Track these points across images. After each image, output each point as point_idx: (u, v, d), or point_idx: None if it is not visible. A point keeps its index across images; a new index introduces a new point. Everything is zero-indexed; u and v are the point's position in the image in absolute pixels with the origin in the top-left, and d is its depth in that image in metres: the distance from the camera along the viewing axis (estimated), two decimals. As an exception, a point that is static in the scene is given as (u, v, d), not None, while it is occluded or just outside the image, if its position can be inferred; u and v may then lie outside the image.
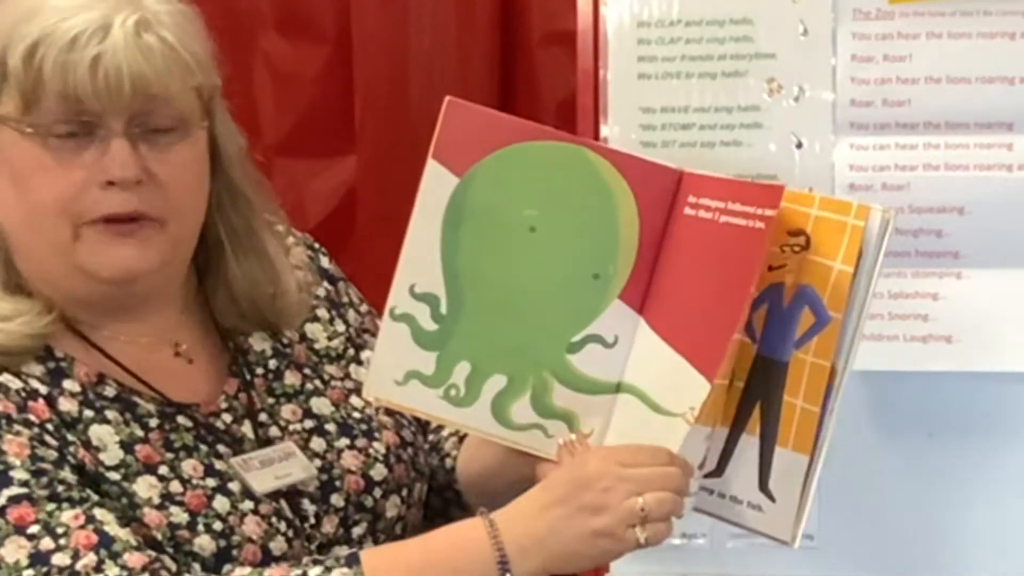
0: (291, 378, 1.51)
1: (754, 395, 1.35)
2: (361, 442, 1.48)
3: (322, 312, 1.57)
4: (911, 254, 1.65)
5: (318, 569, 1.31)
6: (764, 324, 1.35)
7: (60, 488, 1.31)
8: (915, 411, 1.70)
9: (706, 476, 1.38)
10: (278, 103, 2.04)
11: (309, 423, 1.48)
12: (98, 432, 1.36)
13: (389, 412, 1.53)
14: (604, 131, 1.71)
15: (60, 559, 1.27)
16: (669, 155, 1.62)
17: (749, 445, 1.35)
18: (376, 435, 1.50)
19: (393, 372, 1.44)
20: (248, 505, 1.38)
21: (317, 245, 1.63)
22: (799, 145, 1.68)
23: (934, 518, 1.72)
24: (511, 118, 1.44)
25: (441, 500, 1.61)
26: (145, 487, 1.35)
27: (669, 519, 1.32)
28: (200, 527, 1.35)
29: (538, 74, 2.01)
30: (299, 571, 1.31)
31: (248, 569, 1.33)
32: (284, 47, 2.03)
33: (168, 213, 1.39)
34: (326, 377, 1.53)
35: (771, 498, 1.34)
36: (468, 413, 1.44)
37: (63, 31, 1.34)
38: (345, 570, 1.31)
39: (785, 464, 1.33)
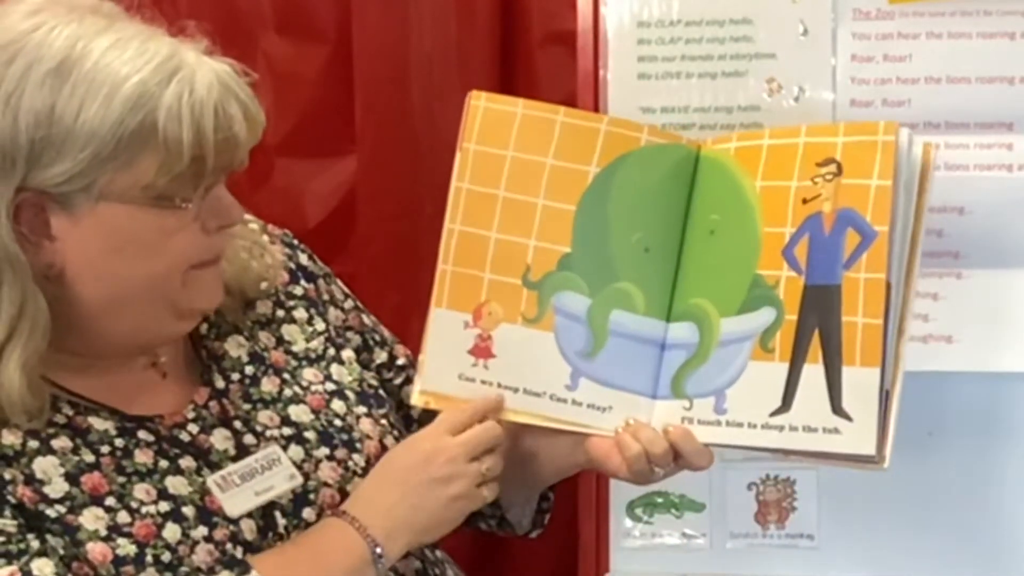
0: (268, 385, 1.49)
1: (810, 325, 1.40)
2: (341, 453, 1.47)
3: (299, 312, 1.55)
4: (911, 254, 1.65)
5: None
6: (808, 255, 1.41)
7: None
8: (915, 411, 1.69)
9: (772, 414, 1.42)
10: (278, 103, 2.03)
11: (287, 430, 1.46)
12: (42, 465, 1.33)
13: (375, 420, 1.52)
14: (604, 131, 1.71)
15: None
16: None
17: (813, 374, 1.40)
18: (358, 446, 1.48)
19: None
20: (201, 531, 1.36)
21: (296, 242, 1.61)
22: (799, 145, 1.68)
23: (934, 518, 1.71)
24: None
25: None
26: (91, 519, 1.32)
27: (499, 478, 1.45)
28: (148, 559, 1.32)
29: (538, 74, 2.01)
30: None
31: None
32: (284, 47, 2.03)
33: None
34: (304, 383, 1.51)
35: (848, 418, 1.39)
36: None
37: (203, 98, 1.30)
38: None
39: (856, 382, 1.38)
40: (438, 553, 1.59)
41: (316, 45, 2.03)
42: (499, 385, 1.48)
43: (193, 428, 1.42)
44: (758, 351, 1.43)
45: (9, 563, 1.28)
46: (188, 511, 1.37)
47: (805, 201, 1.42)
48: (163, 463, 1.38)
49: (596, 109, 1.71)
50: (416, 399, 1.50)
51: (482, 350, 1.48)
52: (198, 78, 1.31)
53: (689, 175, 1.49)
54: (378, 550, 1.39)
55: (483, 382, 1.48)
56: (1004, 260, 1.67)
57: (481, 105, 1.49)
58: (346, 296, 1.62)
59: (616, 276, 1.47)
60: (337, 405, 1.51)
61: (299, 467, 1.44)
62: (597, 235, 1.48)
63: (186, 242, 1.35)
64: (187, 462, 1.40)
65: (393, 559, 1.41)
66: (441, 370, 1.49)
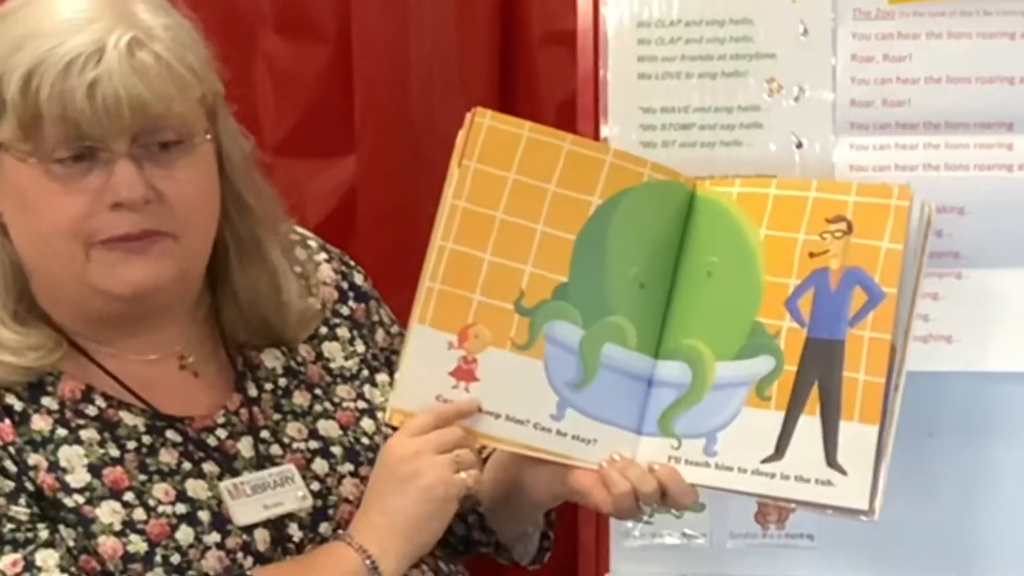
0: (300, 398, 1.50)
1: (809, 377, 1.42)
2: (365, 470, 1.47)
3: (343, 331, 1.56)
4: (911, 254, 1.65)
5: None
6: (812, 308, 1.42)
7: (7, 528, 1.30)
8: (915, 411, 1.69)
9: (764, 461, 1.43)
10: (278, 103, 2.03)
11: (314, 444, 1.47)
12: (67, 453, 1.35)
13: None
14: (604, 131, 1.71)
15: None
16: (669, 155, 1.63)
17: (809, 425, 1.41)
18: None
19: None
20: (214, 538, 1.37)
21: (352, 263, 1.62)
22: (799, 145, 1.68)
23: (934, 518, 1.71)
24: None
25: (464, 525, 1.60)
26: (108, 512, 1.34)
27: (477, 465, 1.43)
28: (157, 559, 1.34)
29: (538, 74, 2.00)
30: None
31: None
32: (284, 47, 2.03)
33: (179, 228, 1.39)
34: (336, 399, 1.52)
35: (842, 471, 1.41)
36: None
37: (57, 58, 1.32)
38: None
39: (853, 437, 1.40)
40: (452, 565, 1.59)
41: (316, 45, 2.03)
42: (480, 410, 1.46)
43: (222, 433, 1.44)
44: (754, 398, 1.44)
45: (15, 551, 1.29)
46: (204, 516, 1.38)
47: (812, 255, 1.44)
48: (186, 465, 1.40)
49: (596, 109, 1.71)
50: (388, 415, 1.48)
51: (465, 372, 1.46)
52: (74, 42, 1.33)
53: (684, 214, 1.50)
54: (373, 563, 1.39)
55: None
56: (1004, 260, 1.67)
57: (486, 123, 1.47)
58: (393, 321, 1.63)
59: (610, 310, 1.47)
60: (367, 423, 1.52)
61: (322, 481, 1.45)
62: (595, 267, 1.47)
63: (67, 208, 1.35)
64: (210, 467, 1.41)
65: (395, 572, 1.40)
66: (417, 388, 1.46)
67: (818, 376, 1.42)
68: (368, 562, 1.39)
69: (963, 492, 1.71)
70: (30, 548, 1.30)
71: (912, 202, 1.42)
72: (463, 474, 1.42)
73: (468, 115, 1.48)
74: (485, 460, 1.59)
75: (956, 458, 1.71)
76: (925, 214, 1.44)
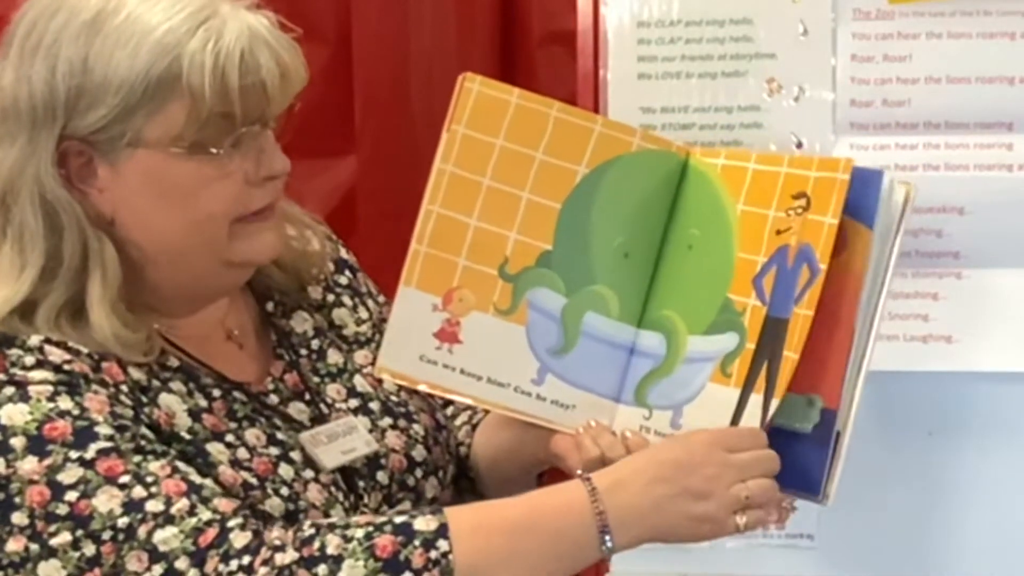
0: (334, 356, 1.53)
1: (764, 355, 1.41)
2: (402, 423, 1.51)
3: (347, 299, 1.59)
4: (911, 254, 1.65)
5: (403, 517, 1.31)
6: (773, 286, 1.42)
7: (143, 442, 1.32)
8: (915, 411, 1.70)
9: None
10: (278, 103, 2.03)
11: (354, 402, 1.50)
12: (166, 400, 1.37)
13: (421, 396, 1.55)
14: (604, 131, 1.71)
15: (153, 505, 1.28)
16: (669, 155, 1.62)
17: (755, 403, 1.40)
18: (415, 417, 1.52)
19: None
20: (309, 474, 1.40)
21: (334, 236, 1.64)
22: (799, 145, 1.69)
23: (934, 518, 1.72)
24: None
25: (455, 488, 1.62)
26: (215, 452, 1.36)
27: (768, 504, 1.38)
28: (269, 491, 1.37)
29: (538, 74, 2.01)
30: (383, 519, 1.31)
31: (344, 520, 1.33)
32: (284, 47, 2.03)
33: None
34: (356, 365, 1.54)
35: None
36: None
37: (229, 45, 1.33)
38: (429, 518, 1.30)
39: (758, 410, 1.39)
40: None
41: (316, 45, 2.03)
42: (462, 371, 1.48)
43: (274, 399, 1.46)
44: (718, 374, 1.44)
45: (158, 458, 1.31)
46: (295, 455, 1.41)
47: (779, 232, 1.43)
48: (262, 419, 1.42)
49: (596, 109, 1.71)
50: (376, 372, 1.51)
51: (448, 335, 1.48)
52: (228, 26, 1.35)
53: (676, 184, 1.50)
54: (606, 533, 1.34)
55: (445, 366, 1.48)
56: (1004, 260, 1.67)
57: (475, 88, 1.48)
58: (378, 291, 1.66)
59: (594, 278, 1.48)
60: (389, 385, 1.54)
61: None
62: (579, 236, 1.48)
63: (226, 191, 1.37)
64: (280, 422, 1.44)
65: (622, 547, 1.36)
66: (402, 349, 1.48)
67: (768, 355, 1.41)
68: (602, 528, 1.34)
69: (963, 491, 1.71)
70: (170, 457, 1.32)
71: (882, 182, 1.39)
72: (738, 516, 1.37)
73: (458, 79, 1.49)
74: (474, 427, 1.63)
75: (955, 458, 1.71)
76: (902, 194, 1.41)
